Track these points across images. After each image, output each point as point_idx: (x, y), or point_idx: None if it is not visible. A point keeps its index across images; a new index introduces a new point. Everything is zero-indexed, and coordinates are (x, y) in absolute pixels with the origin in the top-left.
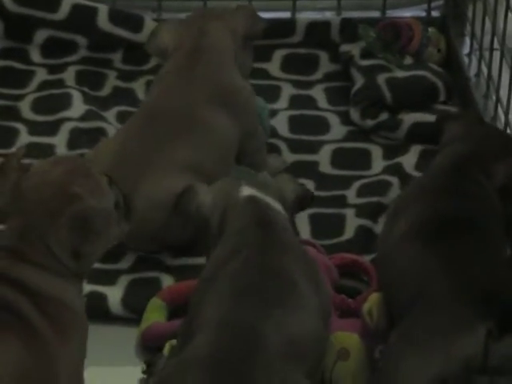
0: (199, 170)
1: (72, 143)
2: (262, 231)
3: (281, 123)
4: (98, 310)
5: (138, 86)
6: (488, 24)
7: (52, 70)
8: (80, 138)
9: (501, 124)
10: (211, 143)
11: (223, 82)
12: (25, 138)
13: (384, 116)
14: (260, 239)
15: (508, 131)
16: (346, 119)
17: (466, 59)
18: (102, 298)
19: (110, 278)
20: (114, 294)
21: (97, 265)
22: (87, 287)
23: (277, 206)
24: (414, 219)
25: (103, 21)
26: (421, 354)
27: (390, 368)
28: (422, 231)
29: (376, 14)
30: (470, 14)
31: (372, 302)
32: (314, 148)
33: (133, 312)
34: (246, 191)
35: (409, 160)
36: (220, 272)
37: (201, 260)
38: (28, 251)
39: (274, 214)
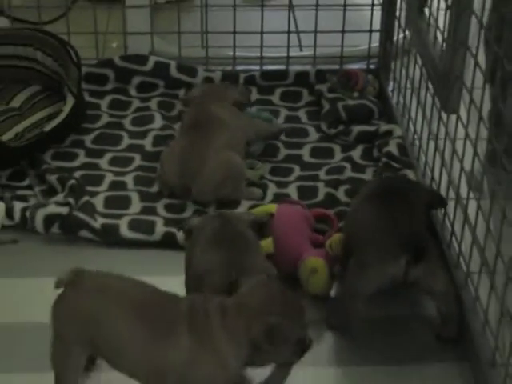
0: (230, 148)
1: (155, 144)
2: (222, 220)
3: None
4: (172, 242)
5: None
6: (403, 72)
7: (143, 100)
8: (160, 141)
9: (411, 131)
10: (230, 131)
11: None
12: (126, 141)
13: (341, 127)
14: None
15: (411, 130)
16: (318, 129)
17: (390, 94)
18: (173, 235)
19: (178, 222)
20: (179, 234)
21: (169, 214)
22: (163, 228)
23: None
24: (366, 191)
25: (173, 71)
26: (366, 272)
27: (348, 282)
28: (372, 197)
29: (337, 66)
30: (392, 66)
31: (332, 239)
32: (299, 146)
33: None
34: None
35: (356, 153)
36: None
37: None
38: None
39: (232, 214)
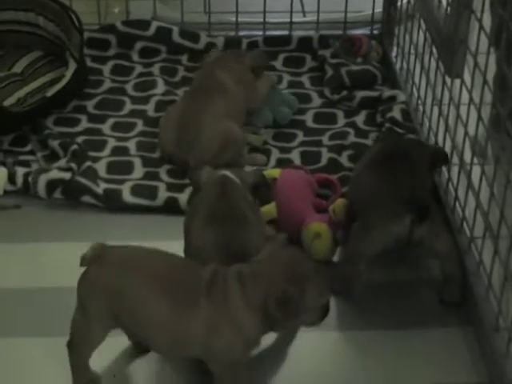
0: (229, 116)
1: (157, 109)
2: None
3: None
4: (175, 207)
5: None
6: (407, 38)
7: (145, 66)
8: (162, 106)
9: (414, 97)
10: (230, 100)
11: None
12: (128, 106)
13: (344, 93)
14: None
15: (415, 95)
16: (321, 95)
17: (394, 59)
18: (176, 200)
19: (180, 188)
20: (183, 198)
21: (172, 179)
22: (165, 194)
23: (237, 180)
24: (369, 155)
25: (176, 36)
26: (371, 234)
27: (352, 245)
28: (374, 161)
29: (340, 31)
30: (396, 31)
31: (335, 204)
32: (303, 112)
33: None
34: (222, 172)
35: (359, 119)
36: (198, 207)
37: None
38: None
39: (232, 181)
